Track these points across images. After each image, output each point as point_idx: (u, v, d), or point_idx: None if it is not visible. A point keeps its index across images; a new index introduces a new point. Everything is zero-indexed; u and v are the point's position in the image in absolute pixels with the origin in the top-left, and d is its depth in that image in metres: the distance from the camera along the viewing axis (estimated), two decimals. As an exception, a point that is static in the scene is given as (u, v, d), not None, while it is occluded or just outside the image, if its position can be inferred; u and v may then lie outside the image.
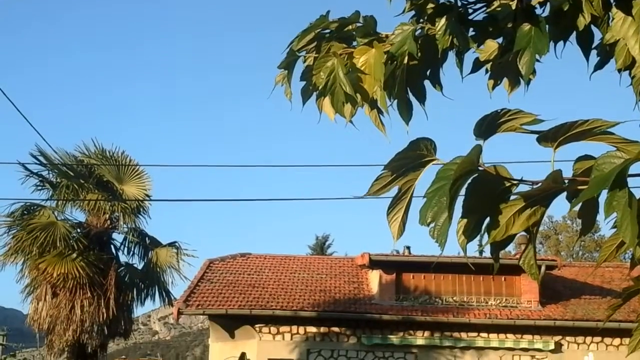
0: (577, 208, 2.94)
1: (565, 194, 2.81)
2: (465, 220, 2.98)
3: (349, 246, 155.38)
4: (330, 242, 55.75)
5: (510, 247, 44.19)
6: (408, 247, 24.94)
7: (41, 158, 18.55)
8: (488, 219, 2.95)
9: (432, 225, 2.87)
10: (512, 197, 2.91)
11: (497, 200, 2.92)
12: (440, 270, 20.80)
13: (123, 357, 46.06)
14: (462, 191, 2.82)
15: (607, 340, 19.64)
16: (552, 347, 19.51)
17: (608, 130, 2.69)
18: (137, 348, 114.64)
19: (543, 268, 20.38)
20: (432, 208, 2.86)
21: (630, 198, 2.47)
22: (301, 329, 20.10)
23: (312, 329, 20.07)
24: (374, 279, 21.68)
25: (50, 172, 19.13)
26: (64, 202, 18.86)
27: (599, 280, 23.04)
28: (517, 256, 23.61)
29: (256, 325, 19.97)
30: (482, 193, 2.89)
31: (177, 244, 20.00)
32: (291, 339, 20.05)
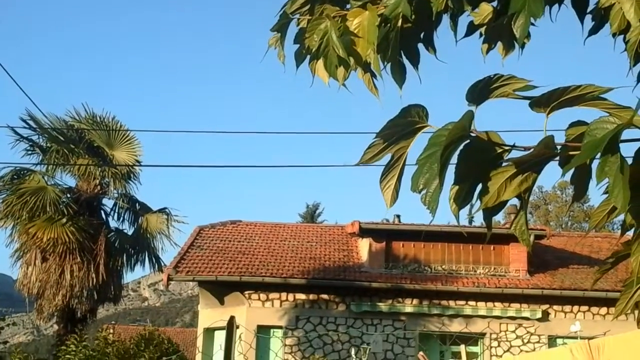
0: (568, 175, 2.93)
1: (557, 160, 2.80)
2: (456, 187, 2.96)
3: (340, 215, 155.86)
4: (321, 211, 55.92)
5: (500, 217, 44.36)
6: (398, 216, 25.02)
7: (31, 122, 18.48)
8: (480, 185, 2.94)
9: (423, 192, 2.86)
10: (504, 164, 2.90)
11: (489, 166, 2.90)
12: (429, 239, 20.88)
13: (112, 322, 46.19)
14: (455, 159, 2.81)
15: (594, 309, 19.81)
16: (539, 315, 19.66)
17: (601, 95, 2.68)
18: (126, 314, 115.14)
19: (532, 237, 20.39)
20: (423, 175, 2.85)
21: (622, 163, 2.46)
22: (290, 296, 20.17)
23: (301, 296, 20.14)
24: (363, 247, 21.75)
25: (40, 136, 19.06)
26: (54, 166, 18.81)
27: (588, 250, 23.17)
28: (507, 225, 23.76)
29: (245, 292, 20.03)
30: (473, 159, 2.88)
31: (167, 210, 20.03)
32: (280, 305, 20.13)
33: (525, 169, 2.81)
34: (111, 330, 24.42)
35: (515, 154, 2.87)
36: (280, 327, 19.66)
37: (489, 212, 2.97)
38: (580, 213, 51.16)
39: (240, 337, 12.96)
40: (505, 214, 31.71)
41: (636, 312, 4.57)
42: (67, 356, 14.23)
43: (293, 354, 19.40)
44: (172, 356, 16.58)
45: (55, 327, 19.92)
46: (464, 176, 2.86)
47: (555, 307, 19.99)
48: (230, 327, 8.75)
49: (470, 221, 46.20)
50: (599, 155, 2.51)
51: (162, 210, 20.02)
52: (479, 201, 2.98)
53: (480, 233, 21.14)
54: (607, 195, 3.04)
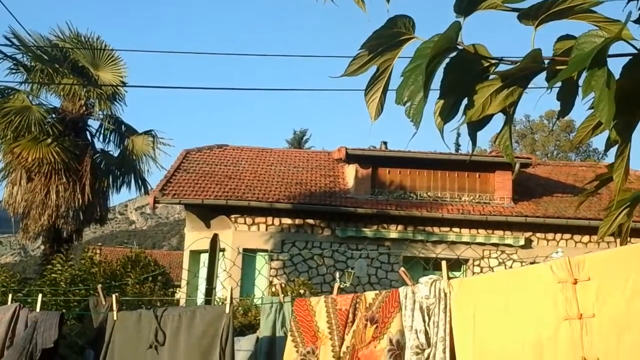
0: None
1: (544, 74, 2.76)
2: (442, 101, 2.93)
3: (327, 142, 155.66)
4: (308, 137, 55.89)
5: (486, 145, 44.51)
6: (385, 143, 25.03)
7: (15, 40, 18.14)
8: (465, 100, 2.90)
9: (408, 104, 2.82)
10: (490, 77, 2.86)
11: (475, 79, 2.86)
12: (415, 165, 20.93)
13: (99, 244, 46.43)
14: (441, 72, 2.77)
15: (577, 237, 20.03)
16: (522, 242, 19.88)
17: (590, 8, 2.62)
18: (113, 237, 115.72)
19: (517, 166, 20.55)
20: (408, 87, 2.81)
21: (609, 77, 2.42)
22: (276, 221, 20.27)
23: (287, 221, 20.24)
24: (350, 173, 21.79)
25: (24, 55, 18.76)
26: (39, 86, 18.58)
27: (572, 179, 23.30)
28: (492, 154, 23.80)
29: (232, 216, 20.10)
30: (460, 72, 2.83)
31: (153, 132, 19.90)
32: (266, 229, 20.24)
33: (511, 83, 2.78)
34: (97, 251, 24.60)
35: (502, 68, 2.83)
36: (265, 251, 19.81)
37: (474, 127, 2.94)
38: (566, 142, 51.34)
39: (223, 254, 13.05)
40: (491, 143, 31.78)
41: (618, 239, 4.61)
42: (53, 275, 14.29)
43: (278, 277, 19.59)
44: (158, 276, 16.76)
45: (42, 247, 19.98)
46: (450, 89, 2.83)
47: (538, 234, 20.20)
48: (214, 244, 8.78)
49: (457, 149, 46.34)
50: (586, 71, 2.47)
51: (148, 133, 19.90)
52: (464, 116, 2.95)
53: (466, 160, 21.22)
54: (592, 110, 3.03)
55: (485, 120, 2.90)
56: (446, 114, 2.88)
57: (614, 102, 2.33)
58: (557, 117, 3.60)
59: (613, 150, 3.02)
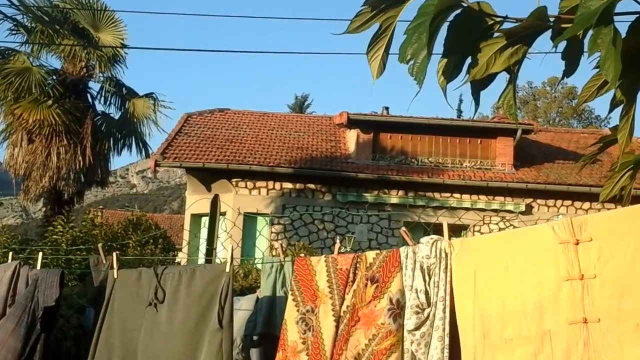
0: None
1: (549, 33, 2.73)
2: (445, 60, 2.90)
3: (328, 107, 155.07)
4: (310, 102, 55.73)
5: (488, 111, 44.41)
6: (387, 108, 24.96)
7: (15, 1, 17.99)
8: (469, 59, 2.87)
9: (411, 62, 2.80)
10: (495, 35, 2.82)
11: (479, 38, 2.83)
12: (417, 131, 20.91)
13: (101, 207, 46.57)
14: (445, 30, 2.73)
15: (577, 203, 20.05)
16: (522, 209, 19.91)
17: (599, -36, 2.57)
18: (115, 200, 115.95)
19: (519, 132, 20.54)
20: (411, 45, 2.78)
21: (616, 36, 2.39)
22: (277, 185, 20.29)
23: (288, 185, 20.27)
24: (351, 138, 21.77)
25: (24, 16, 18.61)
26: (39, 47, 18.46)
27: (574, 145, 23.28)
28: (495, 120, 23.75)
29: (233, 180, 20.12)
30: (464, 30, 2.80)
31: (154, 95, 19.82)
32: (267, 194, 20.27)
33: (515, 41, 2.75)
34: (99, 214, 24.63)
35: (507, 26, 2.80)
36: (266, 215, 19.85)
37: (477, 86, 2.92)
38: (568, 109, 51.21)
39: (224, 215, 13.07)
40: (494, 109, 31.70)
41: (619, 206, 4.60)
42: (54, 236, 14.33)
43: (279, 241, 19.67)
44: (159, 239, 16.80)
45: (43, 210, 20.01)
46: (453, 48, 2.80)
47: (539, 201, 20.23)
48: (215, 205, 8.78)
49: (459, 115, 46.23)
50: (592, 29, 2.44)
51: (149, 95, 19.81)
52: (467, 75, 2.92)
53: (468, 126, 21.19)
54: (597, 70, 3.00)
55: (489, 79, 2.87)
56: (449, 73, 2.85)
57: (620, 60, 2.30)
58: (562, 76, 3.56)
59: (615, 118, 3.00)
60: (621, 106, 3.05)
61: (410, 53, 2.80)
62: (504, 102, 2.95)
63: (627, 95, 2.79)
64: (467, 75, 2.92)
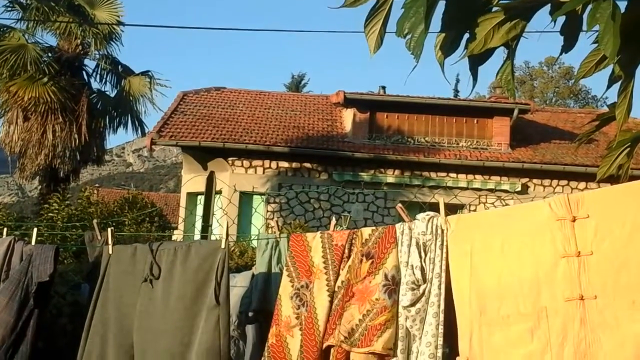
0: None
1: (547, 8, 2.71)
2: (443, 35, 2.88)
3: (325, 86, 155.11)
4: (306, 81, 55.49)
5: (484, 91, 44.30)
6: (383, 87, 24.91)
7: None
8: (467, 34, 2.85)
9: (408, 36, 2.77)
10: (493, 10, 2.80)
11: (478, 12, 2.80)
12: (413, 110, 20.86)
13: (97, 185, 46.50)
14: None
15: (573, 183, 20.06)
16: (518, 188, 19.91)
17: (598, -62, 2.55)
18: (110, 179, 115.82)
19: (516, 112, 20.51)
20: (409, 19, 2.76)
21: (615, 10, 2.37)
22: (273, 164, 20.26)
23: (284, 164, 20.24)
24: (347, 117, 21.72)
25: (19, -8, 18.52)
26: (35, 24, 18.36)
27: (570, 125, 23.27)
28: (491, 99, 23.71)
29: (229, 159, 20.08)
30: (462, 4, 2.78)
31: (150, 73, 19.75)
32: (263, 173, 20.24)
33: (514, 16, 2.72)
34: (94, 192, 24.61)
35: (505, 0, 2.78)
36: (262, 194, 19.83)
37: (475, 61, 2.90)
38: (565, 89, 51.15)
39: (220, 193, 13.06)
40: (490, 88, 31.60)
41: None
42: (50, 214, 14.34)
43: (275, 220, 19.66)
44: (155, 217, 16.80)
45: (39, 188, 20.00)
46: (451, 22, 2.77)
47: (534, 180, 20.23)
48: (210, 182, 8.77)
49: (455, 95, 46.14)
50: (591, 3, 2.42)
51: (144, 73, 19.73)
52: (465, 50, 2.90)
53: (465, 106, 21.15)
54: (596, 45, 2.98)
55: (487, 54, 2.85)
56: (447, 48, 2.83)
57: (619, 35, 2.28)
58: (561, 52, 3.53)
59: (612, 97, 2.98)
60: (619, 82, 3.03)
61: (408, 27, 2.78)
62: (501, 77, 2.93)
63: (626, 70, 2.77)
64: (465, 50, 2.89)
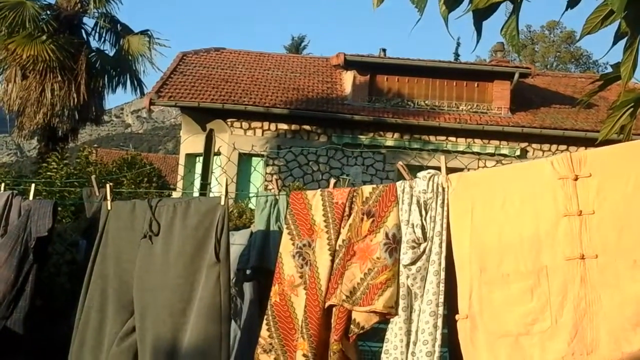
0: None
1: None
2: (447, -11, 2.83)
3: (325, 49, 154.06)
4: (307, 44, 55.14)
5: (485, 55, 44.07)
6: (384, 50, 24.77)
7: None
8: (472, -11, 2.81)
9: (412, -10, 2.73)
10: (499, -37, 2.75)
11: (483, -35, 2.76)
12: (413, 73, 20.77)
13: (95, 145, 46.41)
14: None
15: (572, 148, 20.01)
16: (518, 153, 19.90)
17: None
18: (109, 139, 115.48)
19: (516, 76, 20.42)
20: (414, -28, 2.71)
21: (624, -37, 2.32)
22: (272, 126, 20.21)
23: (283, 126, 20.19)
24: (347, 80, 21.62)
25: (17, -52, 18.27)
26: (33, -19, 18.18)
27: (571, 90, 23.18)
28: (492, 63, 23.58)
29: (228, 120, 20.03)
30: (467, -42, 2.73)
31: (149, 32, 19.62)
32: (262, 134, 20.20)
33: (520, -31, 2.68)
34: (93, 151, 24.54)
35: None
36: (261, 156, 19.81)
37: (479, 15, 2.85)
38: (566, 54, 50.89)
39: (219, 154, 13.01)
40: (491, 52, 31.41)
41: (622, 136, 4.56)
42: (48, 173, 14.30)
43: (275, 179, 19.63)
44: (153, 178, 16.77)
45: (37, 147, 19.95)
46: (456, -24, 2.73)
47: (534, 145, 20.21)
48: (209, 139, 8.73)
49: (456, 58, 45.91)
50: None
51: (144, 33, 19.58)
52: (470, 5, 2.86)
53: (465, 69, 21.04)
54: (603, 0, 2.93)
55: (491, 8, 2.81)
56: (451, 2, 2.79)
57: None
58: (566, 8, 3.49)
59: (614, 61, 2.94)
60: (625, 39, 2.99)
61: (412, -20, 2.74)
62: (506, 32, 2.89)
63: (632, 26, 2.73)
64: (470, 4, 2.85)
